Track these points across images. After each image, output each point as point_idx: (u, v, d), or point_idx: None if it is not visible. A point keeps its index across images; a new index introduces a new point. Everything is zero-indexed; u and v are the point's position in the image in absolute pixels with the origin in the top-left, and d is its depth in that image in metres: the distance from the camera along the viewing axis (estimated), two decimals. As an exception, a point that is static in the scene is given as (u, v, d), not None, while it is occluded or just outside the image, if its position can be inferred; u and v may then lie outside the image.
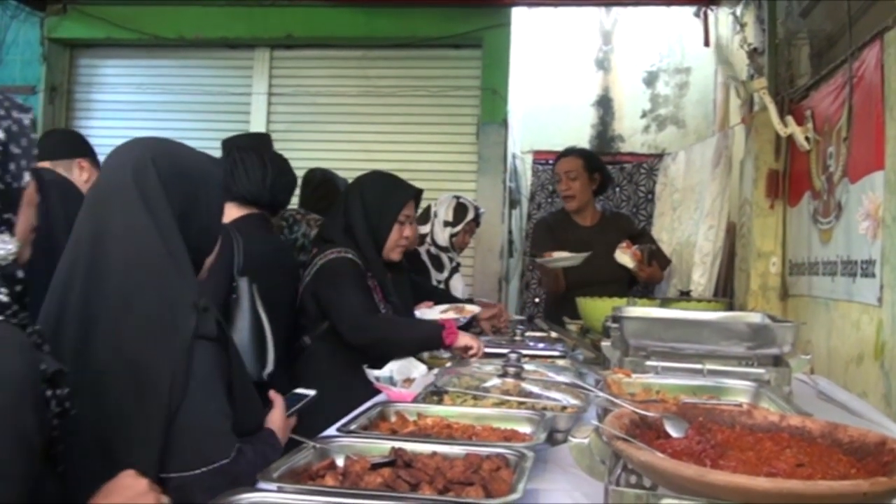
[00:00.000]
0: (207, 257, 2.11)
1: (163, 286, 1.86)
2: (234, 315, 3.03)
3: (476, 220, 5.10)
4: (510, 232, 6.80)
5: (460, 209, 5.02)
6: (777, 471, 1.21)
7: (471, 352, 3.33)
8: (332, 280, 3.37)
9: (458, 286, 4.93)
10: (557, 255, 4.77)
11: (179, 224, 1.96)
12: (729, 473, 1.10)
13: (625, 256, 4.83)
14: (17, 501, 1.26)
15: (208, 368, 1.89)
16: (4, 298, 1.36)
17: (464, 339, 3.34)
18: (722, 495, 1.06)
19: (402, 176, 5.43)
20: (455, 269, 5.08)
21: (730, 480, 1.05)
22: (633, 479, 1.27)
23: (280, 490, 1.52)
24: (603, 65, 7.38)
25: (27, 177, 1.49)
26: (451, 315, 3.75)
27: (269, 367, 3.00)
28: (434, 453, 1.83)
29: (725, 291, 5.27)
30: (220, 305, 3.01)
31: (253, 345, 3.02)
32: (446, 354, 3.50)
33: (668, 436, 1.35)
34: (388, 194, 3.60)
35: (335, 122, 6.68)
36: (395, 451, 1.78)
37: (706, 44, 5.33)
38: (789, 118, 4.07)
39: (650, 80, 7.31)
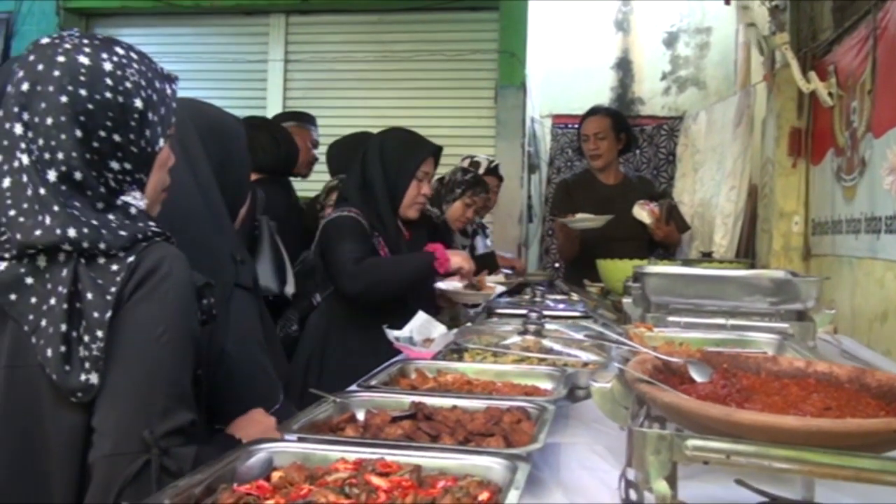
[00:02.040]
0: (241, 208, 2.22)
1: (203, 237, 1.94)
2: (258, 245, 3.38)
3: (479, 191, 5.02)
4: (529, 197, 6.76)
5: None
6: (804, 414, 1.19)
7: (463, 272, 3.38)
8: (330, 238, 3.36)
9: (478, 246, 4.94)
10: (580, 216, 4.74)
11: (217, 178, 2.03)
12: (756, 412, 1.08)
13: (643, 212, 4.81)
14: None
15: (252, 316, 1.99)
16: (158, 229, 1.55)
17: (455, 260, 3.36)
18: (749, 435, 1.04)
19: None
20: (476, 232, 5.07)
21: (757, 419, 1.03)
22: (655, 426, 1.25)
23: (301, 440, 1.52)
24: (622, 26, 7.28)
25: (162, 142, 1.62)
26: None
27: (290, 287, 3.42)
28: (454, 407, 1.82)
29: (747, 253, 5.23)
30: (245, 237, 3.36)
31: (273, 268, 3.40)
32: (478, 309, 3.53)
33: (691, 381, 1.33)
34: (408, 149, 3.54)
35: (352, 87, 6.64)
36: (415, 404, 1.78)
37: (727, 2, 5.25)
38: (812, 74, 4.01)
39: (670, 40, 7.20)
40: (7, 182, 1.44)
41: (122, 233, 1.47)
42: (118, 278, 1.43)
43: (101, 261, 1.44)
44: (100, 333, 1.39)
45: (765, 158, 4.83)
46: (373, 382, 2.08)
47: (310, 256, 3.94)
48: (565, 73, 7.18)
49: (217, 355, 1.85)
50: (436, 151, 3.62)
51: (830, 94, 3.89)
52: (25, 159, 1.44)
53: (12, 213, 1.42)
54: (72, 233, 1.41)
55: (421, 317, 3.20)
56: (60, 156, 1.45)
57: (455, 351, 2.63)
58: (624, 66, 7.28)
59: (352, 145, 4.70)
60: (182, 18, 6.93)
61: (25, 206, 1.42)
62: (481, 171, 4.92)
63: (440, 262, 3.31)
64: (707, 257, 4.80)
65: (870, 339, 3.35)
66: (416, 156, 3.51)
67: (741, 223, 5.29)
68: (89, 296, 1.40)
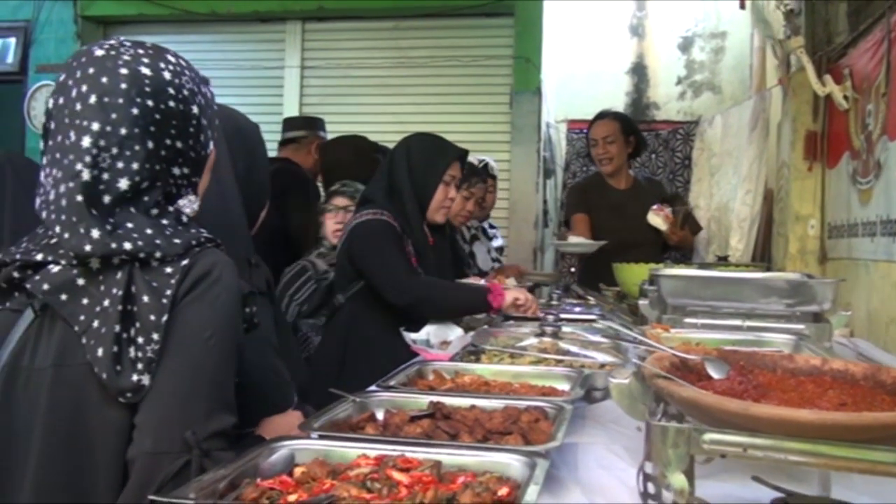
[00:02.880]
0: (262, 211, 2.23)
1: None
2: None
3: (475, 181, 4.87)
4: (545, 202, 6.77)
5: None
6: (820, 409, 1.20)
7: (521, 306, 3.33)
8: (368, 242, 3.33)
9: (477, 252, 4.91)
10: (573, 239, 4.71)
11: (243, 179, 2.06)
12: (773, 406, 1.10)
13: (657, 218, 4.82)
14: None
15: (266, 320, 2.02)
16: (209, 235, 1.58)
17: (511, 296, 3.33)
18: (765, 429, 1.05)
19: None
20: (475, 237, 5.02)
21: (774, 413, 1.05)
22: (673, 422, 1.26)
23: (322, 438, 1.54)
24: (637, 31, 7.30)
25: (212, 145, 1.67)
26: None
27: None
28: (472, 406, 1.84)
29: (763, 257, 5.22)
30: None
31: None
32: (481, 315, 3.51)
33: (708, 378, 1.34)
34: (435, 153, 3.53)
35: (368, 93, 6.68)
36: (433, 404, 1.80)
37: (742, 6, 5.24)
38: (827, 77, 4.01)
39: (685, 45, 7.21)
40: (53, 194, 1.46)
41: (177, 241, 1.49)
42: (172, 281, 1.45)
43: (156, 264, 1.45)
44: (155, 336, 1.41)
45: (780, 162, 4.83)
46: (391, 383, 2.10)
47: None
48: (580, 78, 7.20)
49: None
50: (462, 155, 3.62)
51: (846, 98, 3.88)
52: (87, 173, 1.44)
53: (58, 228, 1.43)
54: (127, 245, 1.43)
55: (438, 319, 3.22)
56: (135, 166, 1.48)
57: (472, 353, 2.64)
58: (639, 71, 7.30)
59: (346, 148, 4.69)
60: (198, 26, 6.99)
61: (75, 218, 1.43)
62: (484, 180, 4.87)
63: (495, 296, 3.29)
64: (723, 261, 4.80)
65: (886, 342, 3.34)
66: (443, 159, 3.51)
67: (757, 227, 5.28)
68: (145, 298, 1.42)
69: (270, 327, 2.07)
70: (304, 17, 6.82)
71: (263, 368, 1.99)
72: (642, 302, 2.81)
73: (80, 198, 1.43)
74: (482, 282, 3.79)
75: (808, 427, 1.03)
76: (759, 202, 5.26)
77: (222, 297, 1.51)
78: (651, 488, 1.14)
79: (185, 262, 1.48)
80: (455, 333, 3.10)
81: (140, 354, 1.40)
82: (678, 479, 1.09)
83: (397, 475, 1.31)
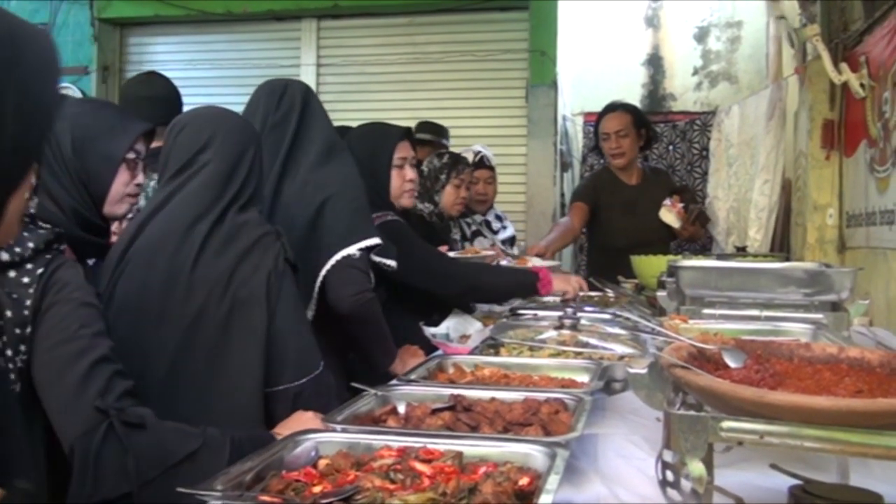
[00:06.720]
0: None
1: None
2: None
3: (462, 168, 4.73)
4: (562, 195, 6.77)
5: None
6: (836, 396, 1.22)
7: (567, 296, 3.41)
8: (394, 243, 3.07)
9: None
10: (534, 262, 4.38)
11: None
12: (788, 393, 1.11)
13: (670, 215, 4.80)
14: None
15: (294, 288, 2.11)
16: (54, 230, 1.64)
17: (559, 285, 3.39)
18: (781, 415, 1.07)
19: (453, 141, 5.43)
20: (478, 233, 4.96)
21: (788, 400, 1.06)
22: (691, 412, 1.28)
23: (345, 431, 1.56)
24: (652, 22, 7.28)
25: None
26: None
27: None
28: (493, 399, 1.86)
29: (782, 247, 5.21)
30: None
31: None
32: (499, 308, 3.53)
33: (726, 368, 1.35)
34: (376, 139, 3.34)
35: (384, 90, 6.69)
36: (454, 396, 1.82)
37: (757, -5, 5.24)
38: (843, 65, 4.00)
39: (701, 35, 7.19)
40: None
41: (30, 244, 1.53)
42: (31, 290, 1.50)
43: (12, 274, 1.50)
44: (23, 347, 1.47)
45: (798, 151, 4.82)
46: (412, 377, 2.12)
47: None
48: (596, 71, 7.19)
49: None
50: (406, 134, 3.40)
51: (862, 86, 3.88)
52: None
53: None
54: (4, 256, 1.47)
55: (457, 314, 3.24)
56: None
57: (491, 346, 2.66)
58: (655, 63, 7.29)
59: None
60: (214, 26, 7.02)
61: None
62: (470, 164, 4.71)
63: (543, 283, 3.32)
64: (741, 252, 4.80)
65: (906, 329, 3.34)
66: (387, 143, 3.32)
67: (775, 217, 5.26)
68: (8, 313, 1.47)
69: (297, 292, 2.14)
70: (319, 14, 6.84)
71: (298, 335, 2.09)
72: (660, 293, 2.81)
73: None
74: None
75: (822, 414, 1.04)
76: (777, 192, 5.24)
77: (76, 293, 1.58)
78: (670, 476, 1.16)
79: (39, 270, 1.53)
80: (475, 327, 3.12)
81: (11, 366, 1.45)
82: (696, 467, 1.11)
83: (420, 466, 1.33)
